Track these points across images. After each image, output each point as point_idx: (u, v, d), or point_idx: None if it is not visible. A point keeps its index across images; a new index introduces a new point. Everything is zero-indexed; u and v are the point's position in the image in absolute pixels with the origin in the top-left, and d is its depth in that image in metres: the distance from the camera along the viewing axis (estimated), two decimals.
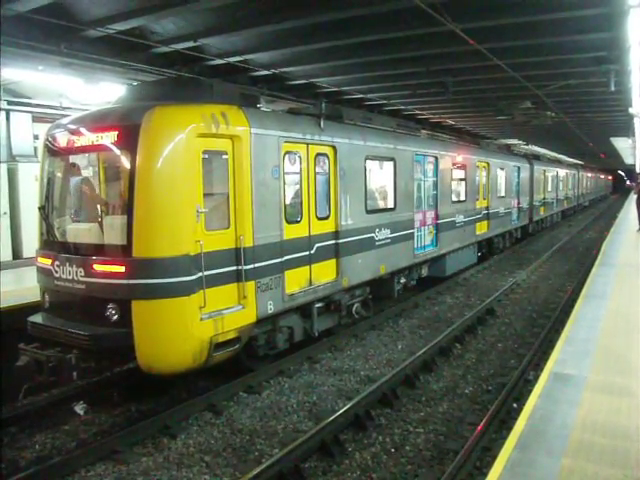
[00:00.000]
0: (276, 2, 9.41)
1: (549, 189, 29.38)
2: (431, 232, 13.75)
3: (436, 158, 13.87)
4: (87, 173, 8.07)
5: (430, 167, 13.73)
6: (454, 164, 15.19)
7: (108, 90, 12.52)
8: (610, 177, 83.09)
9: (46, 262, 7.49)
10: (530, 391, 6.12)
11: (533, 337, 10.67)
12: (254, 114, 7.94)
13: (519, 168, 22.51)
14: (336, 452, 6.37)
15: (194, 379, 8.30)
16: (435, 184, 13.93)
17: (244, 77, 13.82)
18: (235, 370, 8.38)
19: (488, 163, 18.27)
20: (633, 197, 46.55)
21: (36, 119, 14.35)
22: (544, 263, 19.50)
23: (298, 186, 8.83)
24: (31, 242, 9.56)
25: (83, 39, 10.35)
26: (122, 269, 6.61)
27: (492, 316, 12.35)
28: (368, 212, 10.58)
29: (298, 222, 8.74)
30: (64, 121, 7.85)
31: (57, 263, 7.23)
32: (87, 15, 9.59)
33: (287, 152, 8.48)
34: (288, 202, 8.58)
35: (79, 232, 7.54)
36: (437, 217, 14.00)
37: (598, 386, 5.94)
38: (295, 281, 8.59)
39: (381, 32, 10.58)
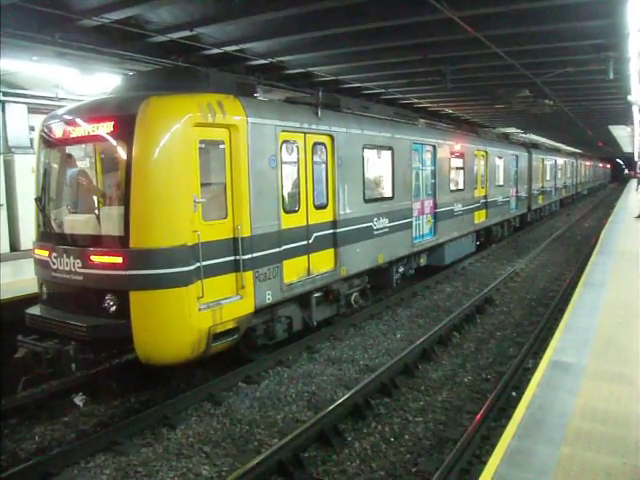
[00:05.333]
0: None
1: (547, 178, 29.31)
2: (429, 221, 13.73)
3: (434, 147, 13.81)
4: (83, 164, 8.02)
5: (428, 156, 13.68)
6: (452, 153, 15.14)
7: (104, 80, 12.44)
8: (608, 165, 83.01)
9: (43, 254, 7.46)
10: (529, 379, 6.13)
11: (532, 325, 10.69)
12: (251, 103, 7.89)
13: (517, 157, 22.45)
14: (335, 442, 6.37)
15: (193, 370, 8.29)
16: (433, 173, 13.88)
17: (241, 66, 13.73)
18: (234, 360, 8.39)
19: (486, 152, 18.21)
20: (632, 185, 46.53)
21: (32, 110, 14.26)
22: (543, 252, 19.49)
23: (296, 175, 8.78)
24: (28, 234, 9.53)
25: (78, 29, 10.25)
26: (120, 260, 6.58)
27: (491, 305, 12.37)
28: (366, 201, 10.54)
29: (296, 211, 8.71)
30: (60, 112, 7.80)
31: (54, 255, 7.20)
32: (82, 4, 9.49)
33: (284, 141, 8.43)
34: (286, 191, 8.54)
35: (76, 223, 7.50)
36: (435, 206, 13.97)
37: (597, 374, 5.95)
38: (293, 271, 8.57)
39: (378, 20, 10.47)
